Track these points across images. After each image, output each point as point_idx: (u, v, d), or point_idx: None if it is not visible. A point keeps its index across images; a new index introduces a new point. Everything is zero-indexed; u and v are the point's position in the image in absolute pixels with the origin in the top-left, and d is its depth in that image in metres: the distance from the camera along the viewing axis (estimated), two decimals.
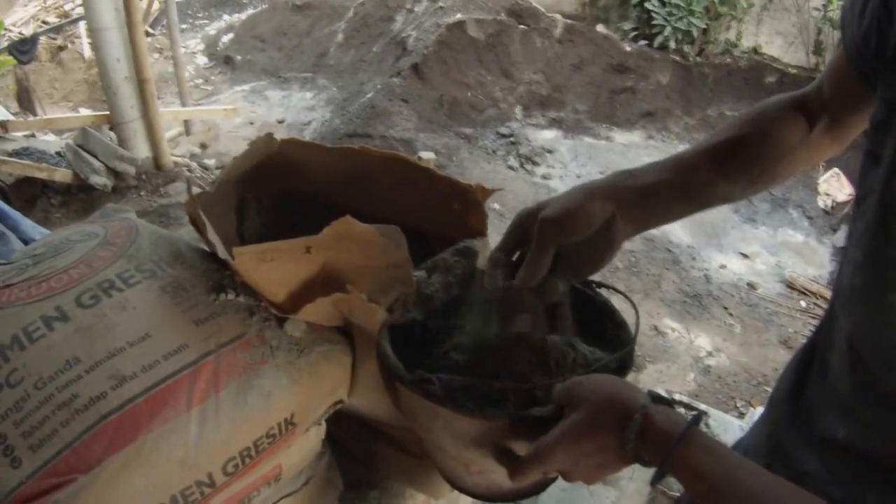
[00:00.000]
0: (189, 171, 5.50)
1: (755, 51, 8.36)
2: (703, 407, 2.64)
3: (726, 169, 1.03)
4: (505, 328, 1.04)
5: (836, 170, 6.08)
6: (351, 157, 1.29)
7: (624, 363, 0.98)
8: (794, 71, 7.97)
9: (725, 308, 4.64)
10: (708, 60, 8.31)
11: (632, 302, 1.06)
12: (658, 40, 8.23)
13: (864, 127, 0.98)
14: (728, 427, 2.48)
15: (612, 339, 1.06)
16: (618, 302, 1.12)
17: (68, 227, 1.17)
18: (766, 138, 1.04)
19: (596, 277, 1.08)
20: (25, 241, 2.00)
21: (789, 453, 0.92)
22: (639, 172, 1.02)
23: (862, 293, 0.79)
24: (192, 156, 6.15)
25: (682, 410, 2.56)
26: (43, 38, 8.36)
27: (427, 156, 3.43)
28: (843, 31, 0.93)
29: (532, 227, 0.98)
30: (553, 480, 1.00)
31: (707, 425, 2.48)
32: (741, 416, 3.56)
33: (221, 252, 0.97)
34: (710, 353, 4.17)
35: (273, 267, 0.94)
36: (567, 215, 0.97)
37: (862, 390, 0.80)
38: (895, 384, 0.73)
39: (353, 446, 1.36)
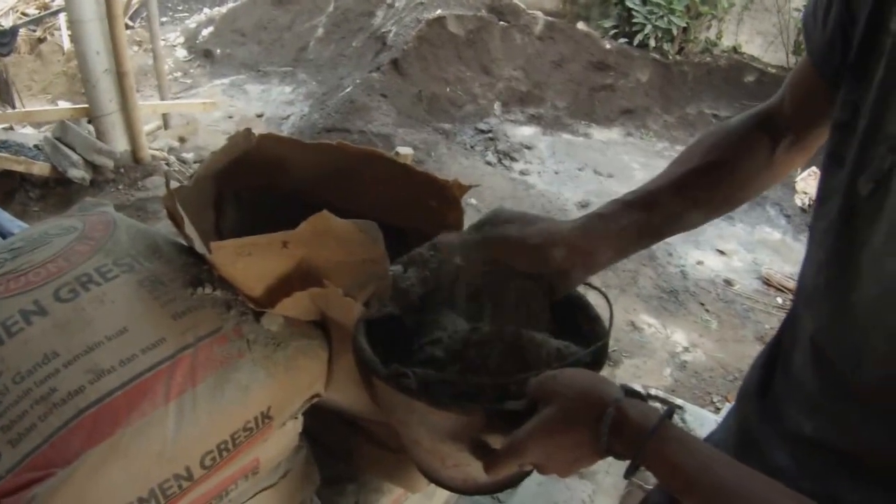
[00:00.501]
0: (167, 164, 5.47)
1: (735, 50, 8.43)
2: (679, 402, 2.66)
3: (691, 200, 1.06)
4: (479, 323, 1.05)
5: (813, 168, 6.13)
6: (329, 153, 1.30)
7: (598, 357, 0.99)
8: (773, 70, 8.04)
9: (702, 304, 4.68)
10: (688, 59, 8.36)
11: (606, 297, 1.08)
12: (638, 38, 8.27)
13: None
14: (704, 422, 2.50)
15: (586, 333, 1.08)
16: (592, 297, 1.13)
17: (47, 221, 1.17)
18: (730, 166, 1.06)
19: None
20: (3, 235, 1.99)
21: (760, 448, 0.93)
22: (609, 215, 1.05)
23: (826, 293, 0.81)
24: (171, 149, 6.11)
25: (657, 405, 2.59)
26: (22, 30, 8.27)
27: (405, 151, 3.44)
28: (808, 39, 0.94)
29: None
30: (528, 474, 1.01)
31: (683, 420, 2.50)
32: (717, 410, 3.59)
33: (199, 246, 0.98)
34: (686, 349, 4.20)
35: (250, 261, 0.95)
36: (526, 247, 1.02)
37: (827, 388, 0.82)
38: (860, 383, 0.74)
39: (331, 441, 1.36)
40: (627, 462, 0.78)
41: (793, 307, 0.97)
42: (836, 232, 0.79)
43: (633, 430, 0.75)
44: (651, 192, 1.06)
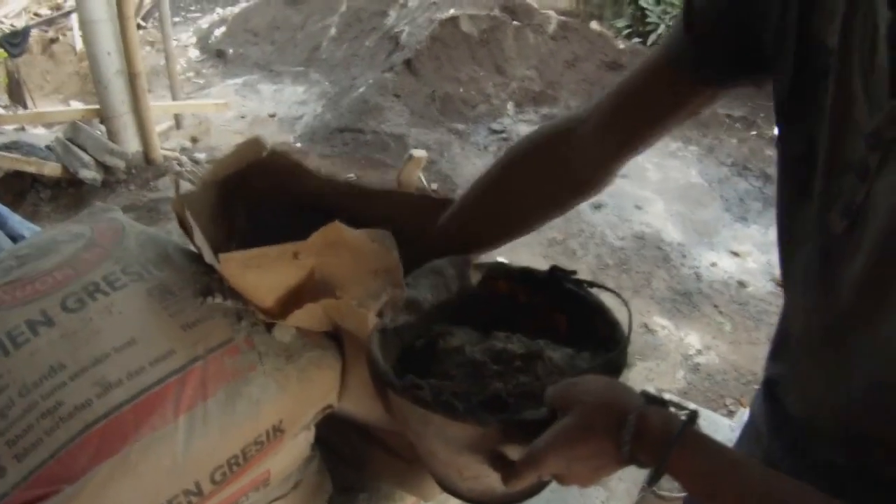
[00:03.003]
0: (179, 164, 5.48)
1: None
2: (692, 406, 2.63)
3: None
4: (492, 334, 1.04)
5: None
6: (341, 189, 1.29)
7: (617, 364, 0.97)
8: None
9: (716, 306, 4.64)
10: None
11: (624, 301, 1.06)
12: (652, 38, 8.24)
13: (648, 143, 1.03)
14: (718, 427, 2.49)
15: (604, 338, 1.06)
16: (608, 298, 1.12)
17: (55, 227, 1.16)
18: (502, 206, 1.17)
19: (587, 275, 1.08)
20: (13, 237, 1.99)
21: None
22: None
23: (821, 341, 0.79)
24: (183, 150, 6.12)
25: (672, 410, 2.56)
26: (34, 31, 8.30)
27: (419, 154, 3.42)
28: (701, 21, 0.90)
29: None
30: (548, 483, 0.99)
31: (697, 419, 2.49)
32: (730, 414, 3.56)
33: (208, 257, 0.96)
34: (699, 351, 4.17)
35: (260, 273, 0.93)
36: None
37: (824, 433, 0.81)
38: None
39: (343, 449, 1.35)
40: (646, 469, 0.76)
41: (777, 351, 0.96)
42: (816, 277, 0.76)
43: (655, 438, 0.73)
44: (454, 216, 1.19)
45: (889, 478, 0.76)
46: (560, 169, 1.10)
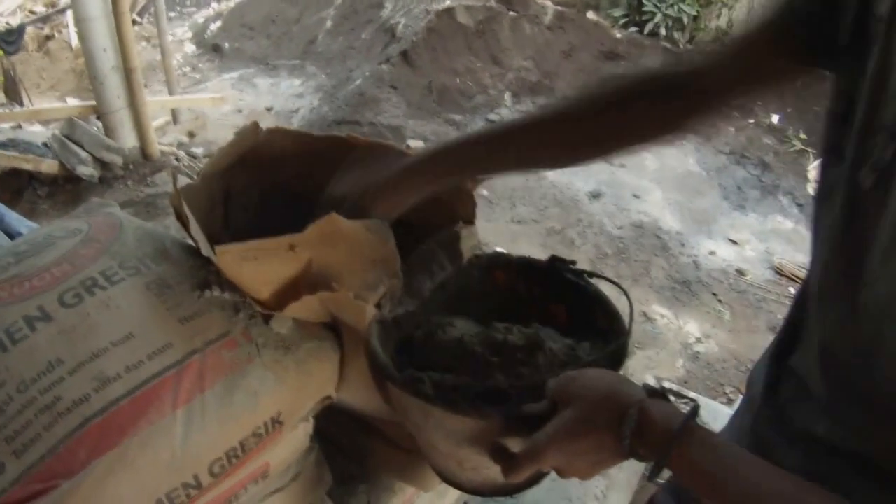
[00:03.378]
0: (177, 159, 5.47)
1: None
2: (692, 395, 2.64)
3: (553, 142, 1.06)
4: (492, 326, 1.04)
5: None
6: (338, 146, 1.28)
7: (618, 356, 0.97)
8: None
9: (714, 294, 4.65)
10: (699, 48, 8.29)
11: (625, 291, 1.06)
12: (649, 27, 8.21)
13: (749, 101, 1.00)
14: (717, 415, 2.49)
15: (604, 329, 1.06)
16: (608, 289, 1.12)
17: (52, 224, 1.16)
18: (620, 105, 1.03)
19: (586, 264, 1.08)
20: (10, 234, 1.99)
21: (771, 450, 0.91)
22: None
23: (834, 294, 0.78)
24: (180, 144, 6.11)
25: (672, 399, 2.57)
26: (30, 28, 8.29)
27: (416, 145, 3.42)
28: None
29: None
30: (548, 473, 0.99)
31: (698, 413, 2.49)
32: (730, 402, 3.57)
33: (205, 249, 0.96)
34: (699, 340, 4.18)
35: (257, 265, 0.93)
36: None
37: (837, 391, 0.80)
38: (872, 386, 0.72)
39: (342, 441, 1.35)
40: (647, 462, 0.76)
41: (796, 307, 0.95)
42: (842, 228, 0.76)
43: (656, 432, 0.73)
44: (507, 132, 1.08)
45: (859, 449, 0.77)
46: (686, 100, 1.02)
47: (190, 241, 1.08)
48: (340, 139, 1.27)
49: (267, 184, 1.29)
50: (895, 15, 0.69)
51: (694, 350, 4.09)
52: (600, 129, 1.03)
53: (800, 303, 0.94)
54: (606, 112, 1.02)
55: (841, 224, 0.76)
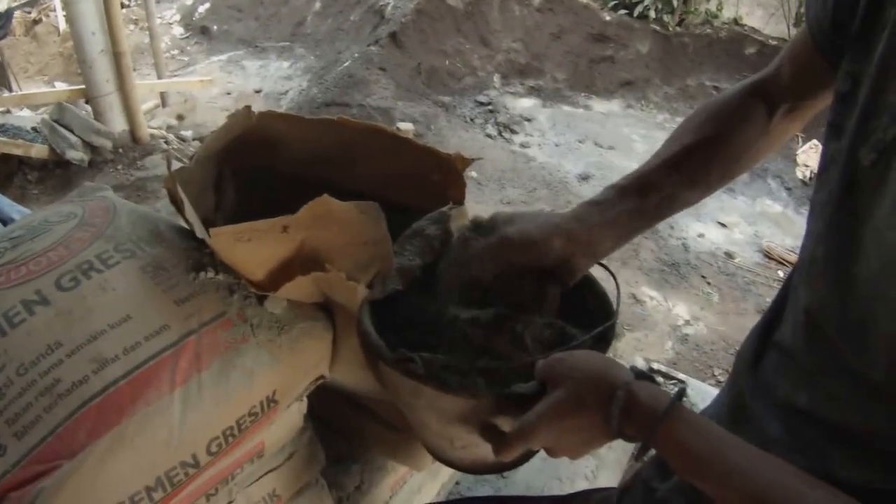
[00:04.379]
0: (166, 143, 5.44)
1: (736, 22, 8.34)
2: (681, 376, 2.66)
3: (687, 178, 1.05)
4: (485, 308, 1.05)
5: (814, 141, 6.10)
6: (330, 129, 1.29)
7: (605, 337, 0.98)
8: (774, 43, 7.95)
9: (703, 277, 4.67)
10: (688, 30, 8.28)
11: (613, 275, 1.07)
12: (638, 10, 8.19)
13: (825, 105, 0.99)
14: (706, 396, 2.50)
15: (593, 311, 1.07)
16: (596, 270, 1.13)
17: (46, 208, 1.17)
18: (724, 139, 1.06)
19: None
20: (3, 220, 1.98)
21: (753, 420, 0.93)
22: (605, 202, 1.04)
23: (824, 265, 0.80)
24: (169, 127, 6.08)
25: (660, 381, 2.59)
26: (17, 12, 8.20)
27: (405, 126, 3.42)
28: (808, 11, 0.93)
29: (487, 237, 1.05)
30: (537, 451, 1.01)
31: (685, 394, 2.50)
32: (718, 384, 3.60)
33: (199, 231, 0.97)
34: (687, 322, 4.20)
35: (250, 247, 0.94)
36: (525, 243, 1.01)
37: (821, 362, 0.81)
38: (858, 358, 0.74)
39: (336, 420, 1.37)
40: (634, 443, 0.78)
41: (788, 279, 0.97)
42: (837, 203, 0.78)
43: (643, 413, 0.75)
44: (645, 175, 1.05)
45: (841, 420, 0.78)
46: (775, 103, 1.07)
47: (183, 224, 1.09)
48: (332, 122, 1.28)
49: (259, 166, 1.30)
50: None
51: (683, 332, 4.11)
52: (720, 162, 1.07)
53: (790, 280, 0.96)
54: (720, 141, 1.06)
55: (837, 198, 0.77)
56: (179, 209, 1.03)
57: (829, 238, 0.79)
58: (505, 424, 0.87)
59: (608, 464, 2.00)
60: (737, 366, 1.06)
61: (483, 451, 0.93)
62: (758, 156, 1.11)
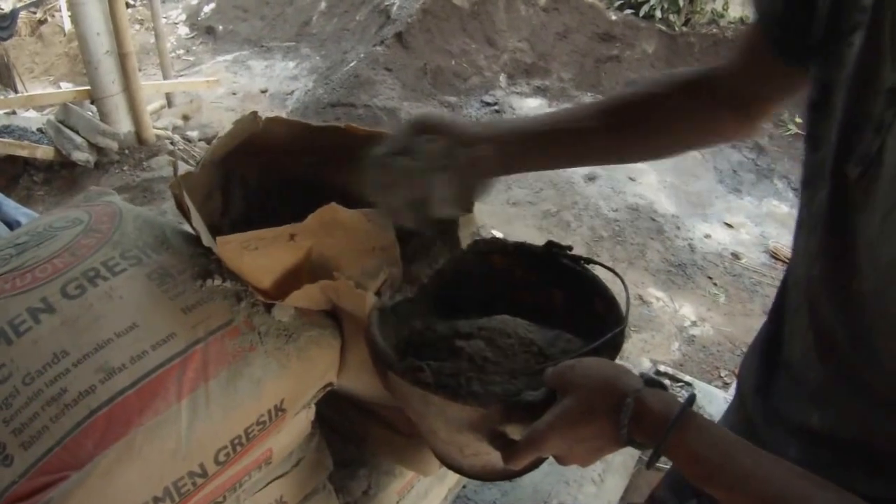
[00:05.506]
0: (172, 143, 5.44)
1: (742, 21, 8.30)
2: (687, 378, 2.65)
3: (612, 124, 1.05)
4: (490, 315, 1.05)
5: None
6: (336, 135, 1.28)
7: (615, 343, 0.98)
8: None
9: (710, 278, 4.66)
10: (694, 30, 8.25)
11: (622, 279, 1.06)
12: (644, 9, 8.17)
13: (780, 105, 1.00)
14: (713, 398, 2.50)
15: (601, 315, 1.06)
16: (605, 273, 1.12)
17: (52, 213, 1.16)
18: (651, 104, 1.05)
19: (581, 246, 1.08)
20: (8, 223, 1.97)
21: (768, 445, 0.92)
22: (528, 119, 1.08)
23: (824, 284, 0.79)
24: (175, 128, 6.08)
25: (667, 383, 2.58)
26: (23, 13, 8.22)
27: None
28: (758, 5, 0.91)
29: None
30: (547, 458, 1.00)
31: (695, 401, 2.49)
32: (725, 385, 3.59)
33: (206, 239, 0.96)
34: (694, 323, 4.20)
35: (257, 255, 0.94)
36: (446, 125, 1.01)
37: (835, 379, 0.80)
38: (871, 374, 0.73)
39: (344, 425, 1.36)
40: (645, 450, 0.77)
41: (782, 297, 0.95)
42: (827, 220, 0.76)
43: (653, 421, 0.74)
44: (572, 109, 1.11)
45: (855, 436, 0.78)
46: (717, 100, 1.05)
47: (189, 229, 1.08)
48: (338, 129, 1.27)
49: (266, 169, 1.29)
50: (880, 5, 0.68)
51: (689, 333, 4.10)
52: (639, 134, 1.07)
53: (783, 295, 0.95)
54: (644, 117, 1.05)
55: (827, 215, 0.76)
56: (186, 216, 1.02)
57: (825, 257, 0.78)
58: (514, 432, 0.87)
59: (615, 467, 1.99)
60: (741, 388, 1.05)
61: (493, 458, 0.93)
62: (686, 139, 1.11)
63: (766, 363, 0.98)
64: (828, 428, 0.81)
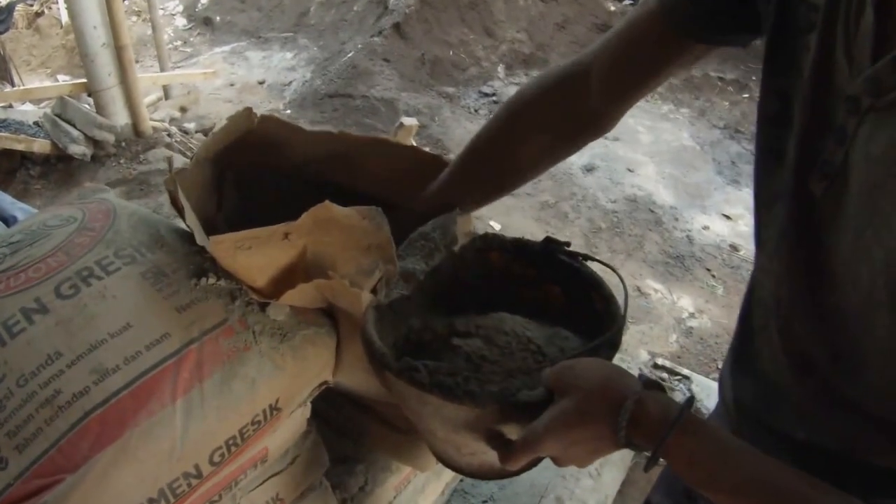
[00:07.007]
0: (169, 135, 5.42)
1: None
2: (685, 372, 2.65)
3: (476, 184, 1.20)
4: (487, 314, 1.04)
5: None
6: (330, 141, 1.28)
7: (613, 341, 0.98)
8: None
9: (708, 269, 4.66)
10: None
11: (620, 277, 1.06)
12: None
13: (648, 92, 1.03)
14: (710, 392, 2.49)
15: (599, 312, 1.06)
16: (602, 269, 1.12)
17: (46, 211, 1.16)
18: (509, 153, 1.17)
19: (580, 238, 1.09)
20: (5, 219, 1.97)
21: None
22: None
23: (797, 304, 0.78)
24: (172, 120, 6.06)
25: (664, 376, 2.58)
26: (20, 5, 8.19)
27: (409, 122, 3.37)
28: None
29: None
30: (544, 458, 1.00)
31: (689, 390, 2.49)
32: None
33: (200, 238, 0.96)
34: (692, 315, 4.19)
35: (251, 254, 0.93)
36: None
37: (816, 397, 0.80)
38: (859, 390, 0.72)
39: (340, 421, 1.36)
40: (643, 452, 0.77)
41: (748, 313, 0.94)
42: (793, 240, 0.75)
43: (652, 424, 0.74)
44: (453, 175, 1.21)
45: (843, 449, 0.78)
46: (574, 105, 1.09)
47: (184, 226, 1.08)
48: (333, 136, 1.28)
49: (261, 166, 1.29)
50: (834, 3, 0.66)
51: (687, 325, 4.10)
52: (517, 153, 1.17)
53: (749, 312, 0.94)
54: (519, 136, 1.14)
55: (794, 232, 0.74)
56: (180, 213, 1.02)
57: (793, 277, 0.77)
58: (512, 432, 0.87)
59: (612, 461, 2.00)
60: (723, 396, 1.05)
61: (490, 457, 0.93)
62: (552, 156, 1.19)
63: (742, 374, 0.97)
64: (814, 442, 0.81)
